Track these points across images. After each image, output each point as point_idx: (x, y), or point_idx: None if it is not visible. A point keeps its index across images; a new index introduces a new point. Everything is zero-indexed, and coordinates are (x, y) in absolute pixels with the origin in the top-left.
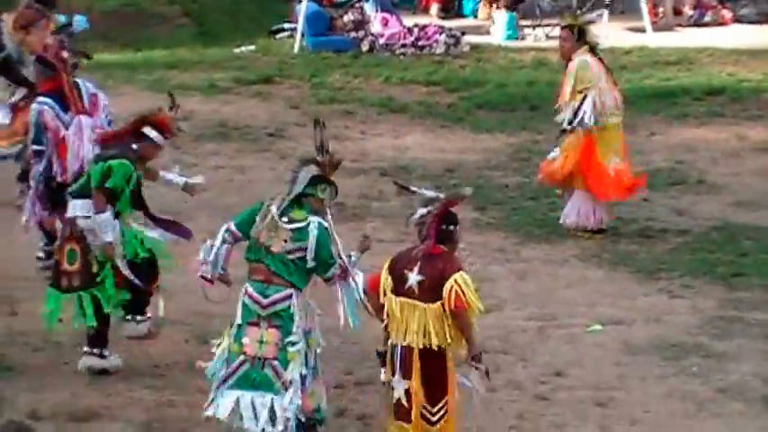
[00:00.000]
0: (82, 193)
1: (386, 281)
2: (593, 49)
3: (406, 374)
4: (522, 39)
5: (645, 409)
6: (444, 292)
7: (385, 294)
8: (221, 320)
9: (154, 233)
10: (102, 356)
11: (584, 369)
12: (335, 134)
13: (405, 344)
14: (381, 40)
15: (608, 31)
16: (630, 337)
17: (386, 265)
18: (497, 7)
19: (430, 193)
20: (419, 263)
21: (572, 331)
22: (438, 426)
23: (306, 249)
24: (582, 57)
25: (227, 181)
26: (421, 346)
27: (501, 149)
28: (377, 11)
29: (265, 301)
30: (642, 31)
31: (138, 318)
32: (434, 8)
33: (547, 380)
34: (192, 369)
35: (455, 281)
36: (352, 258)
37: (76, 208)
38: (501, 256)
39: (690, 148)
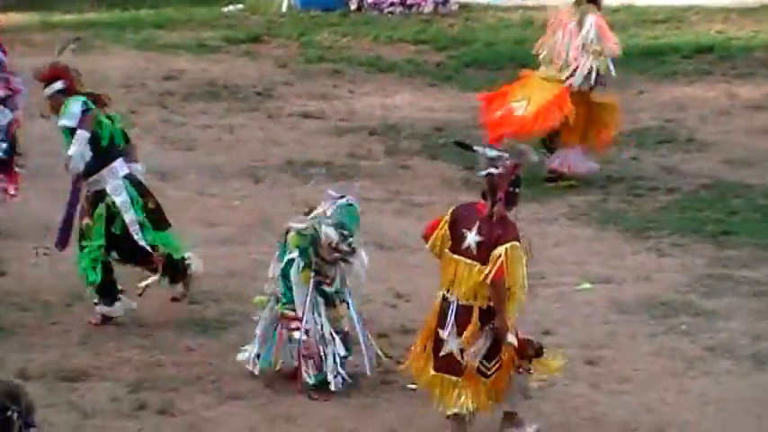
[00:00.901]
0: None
1: (444, 235)
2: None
3: (461, 331)
4: None
5: (634, 368)
6: (491, 258)
7: (436, 247)
8: (208, 280)
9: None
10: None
11: (574, 328)
12: (323, 93)
13: (462, 303)
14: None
15: None
16: (619, 296)
17: (446, 218)
18: None
19: (492, 153)
20: (478, 223)
21: (561, 290)
22: (492, 377)
23: None
24: (595, 17)
25: (216, 140)
26: (480, 306)
27: None
28: None
29: None
30: None
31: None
32: None
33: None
34: (179, 329)
35: (504, 250)
36: None
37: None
38: None
39: (679, 106)
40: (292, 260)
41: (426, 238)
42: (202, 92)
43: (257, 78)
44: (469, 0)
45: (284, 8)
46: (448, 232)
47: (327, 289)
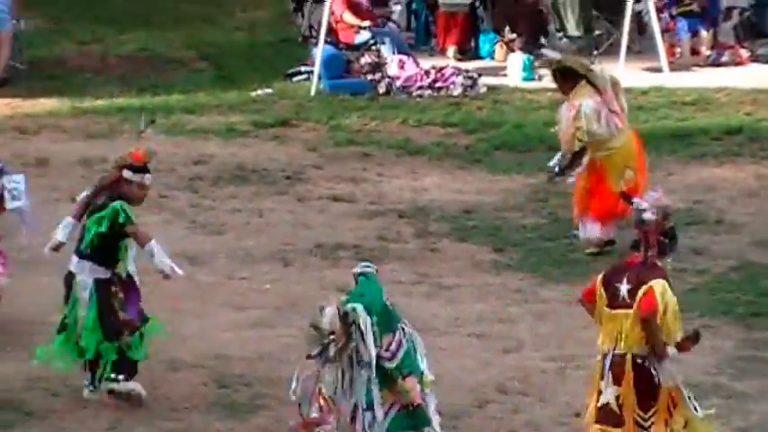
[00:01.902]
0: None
1: (600, 295)
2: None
3: (616, 381)
4: (539, 80)
5: None
6: (637, 297)
7: (594, 305)
8: (239, 363)
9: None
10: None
11: None
12: (353, 176)
13: (617, 352)
14: (398, 83)
15: (624, 72)
16: None
17: (599, 279)
18: (512, 50)
19: (643, 205)
20: (628, 273)
21: (591, 372)
22: (651, 430)
23: None
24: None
25: (245, 224)
26: (633, 353)
27: (518, 190)
28: (393, 53)
29: None
30: (659, 71)
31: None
32: (451, 50)
33: (566, 420)
34: (209, 413)
35: (651, 286)
36: None
37: (85, 269)
38: (519, 296)
39: (708, 187)
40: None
41: (584, 302)
42: (231, 176)
43: (286, 162)
44: (498, 83)
45: (313, 92)
46: (603, 292)
47: (387, 364)
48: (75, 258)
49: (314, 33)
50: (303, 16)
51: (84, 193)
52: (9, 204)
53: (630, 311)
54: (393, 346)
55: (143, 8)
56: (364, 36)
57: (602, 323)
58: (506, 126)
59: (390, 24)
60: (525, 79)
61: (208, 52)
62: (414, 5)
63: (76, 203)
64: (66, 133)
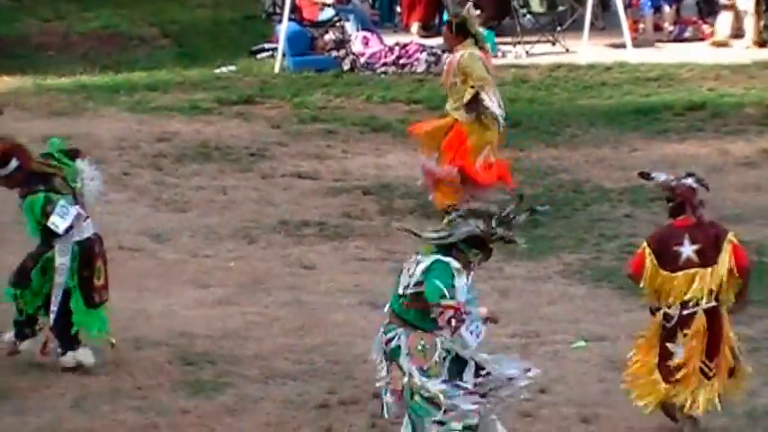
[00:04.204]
0: None
1: (651, 262)
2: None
3: (687, 337)
4: (503, 56)
5: (629, 425)
6: (726, 253)
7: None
8: (203, 341)
9: None
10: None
11: (569, 385)
12: (317, 153)
13: (687, 311)
14: (362, 59)
15: (587, 48)
16: (614, 353)
17: (645, 248)
18: None
19: (663, 176)
20: (686, 235)
21: (556, 348)
22: (713, 379)
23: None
24: (470, 50)
25: (209, 201)
26: (706, 307)
27: None
28: (358, 30)
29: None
30: (623, 47)
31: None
32: (415, 26)
33: (531, 396)
34: (174, 390)
35: (732, 241)
36: (472, 315)
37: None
38: (484, 273)
39: (671, 163)
40: None
41: (636, 276)
42: (195, 153)
43: (250, 139)
44: None
45: (277, 69)
46: (654, 260)
47: None
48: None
49: (278, 10)
50: None
51: None
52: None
53: (703, 270)
54: None
55: None
56: (328, 13)
57: (657, 286)
58: None
59: (354, 1)
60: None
61: (171, 29)
62: None
63: None
64: (29, 111)
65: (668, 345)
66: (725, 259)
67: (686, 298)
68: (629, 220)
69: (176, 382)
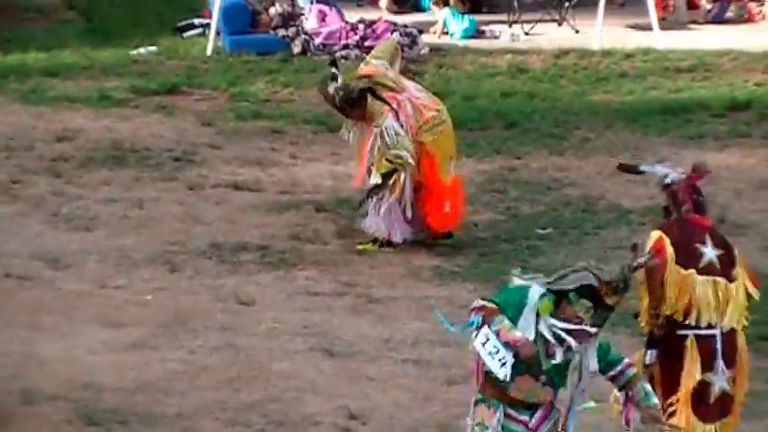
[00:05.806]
0: None
1: (671, 254)
2: None
3: (729, 363)
4: (496, 38)
5: None
6: (742, 269)
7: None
8: (112, 394)
9: None
10: None
11: None
12: (259, 159)
13: (727, 328)
14: (318, 40)
15: (603, 29)
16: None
17: (665, 239)
18: (447, 2)
19: (662, 169)
20: (708, 235)
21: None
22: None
23: None
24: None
25: (122, 218)
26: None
27: (469, 178)
28: (312, 2)
29: None
30: (648, 28)
31: None
32: (384, 0)
33: None
34: None
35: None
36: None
37: None
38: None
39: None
40: None
41: (660, 266)
42: (105, 157)
43: (174, 140)
44: (443, 42)
45: (209, 51)
46: (673, 252)
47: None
48: None
49: None
50: None
51: None
52: None
53: (721, 280)
54: None
55: None
56: None
57: (677, 287)
58: (454, 97)
59: None
60: (465, 34)
61: None
62: None
63: None
64: None
65: (707, 375)
66: (744, 277)
67: (725, 320)
68: None
69: None
